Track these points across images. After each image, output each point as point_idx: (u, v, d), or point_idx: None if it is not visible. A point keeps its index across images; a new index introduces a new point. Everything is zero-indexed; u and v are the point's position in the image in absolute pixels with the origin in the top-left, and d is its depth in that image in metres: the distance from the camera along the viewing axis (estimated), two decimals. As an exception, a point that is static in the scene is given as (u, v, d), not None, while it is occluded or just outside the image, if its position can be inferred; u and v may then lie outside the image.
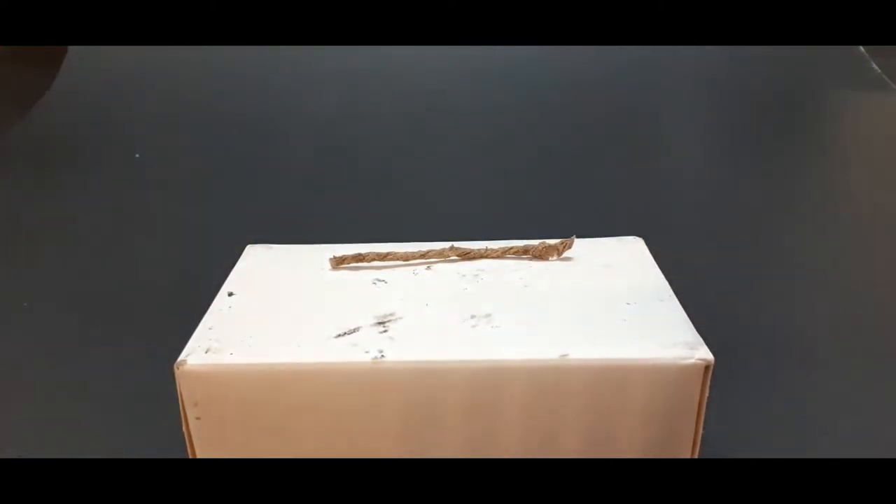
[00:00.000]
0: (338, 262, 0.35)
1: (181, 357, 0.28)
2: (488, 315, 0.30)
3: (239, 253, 0.37)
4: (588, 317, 0.30)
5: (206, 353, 0.28)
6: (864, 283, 0.53)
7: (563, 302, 0.31)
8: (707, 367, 0.28)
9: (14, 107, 0.87)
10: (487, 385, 0.28)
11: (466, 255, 0.35)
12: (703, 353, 0.28)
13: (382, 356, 0.28)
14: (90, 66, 0.90)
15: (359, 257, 0.35)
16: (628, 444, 0.29)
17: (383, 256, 0.35)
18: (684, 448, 0.29)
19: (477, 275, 0.34)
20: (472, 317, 0.30)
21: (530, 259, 0.35)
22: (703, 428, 0.29)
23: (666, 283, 0.33)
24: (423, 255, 0.35)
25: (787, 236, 0.61)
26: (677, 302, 0.31)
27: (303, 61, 0.89)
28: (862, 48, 0.93)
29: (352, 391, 0.28)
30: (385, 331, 0.29)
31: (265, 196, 0.70)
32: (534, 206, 0.67)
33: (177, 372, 0.28)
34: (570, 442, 0.29)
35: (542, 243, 0.35)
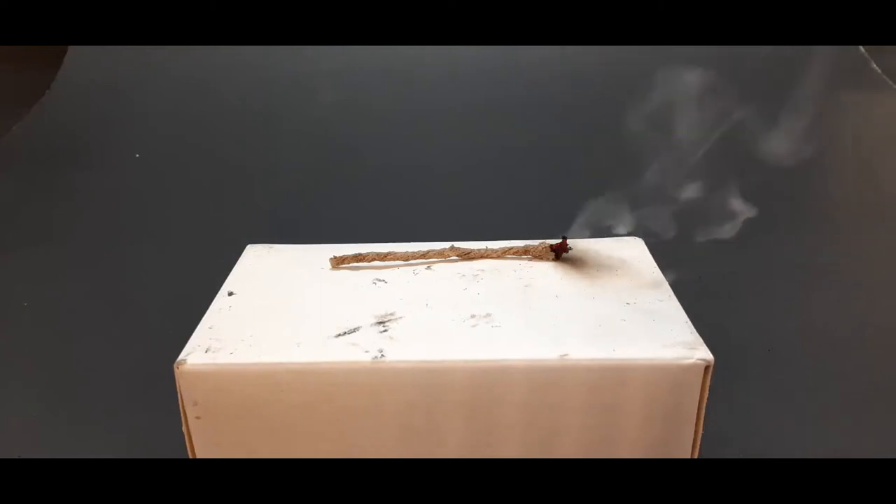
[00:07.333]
0: (338, 262, 0.35)
1: (181, 356, 0.28)
2: (488, 315, 0.30)
3: (239, 253, 0.37)
4: (588, 317, 0.30)
5: (206, 352, 0.28)
6: (863, 283, 0.53)
7: (563, 302, 0.31)
8: (707, 367, 0.28)
9: (14, 107, 0.87)
10: (487, 385, 0.28)
11: (466, 255, 0.35)
12: (703, 353, 0.28)
13: (382, 356, 0.28)
14: (90, 66, 0.90)
15: (359, 257, 0.35)
16: (628, 443, 0.29)
17: (383, 256, 0.35)
18: (684, 448, 0.29)
19: (477, 275, 0.34)
20: (472, 317, 0.30)
21: (530, 259, 0.35)
22: (703, 428, 0.29)
23: (666, 283, 0.33)
24: (423, 255, 0.35)
25: (787, 236, 0.61)
26: (677, 302, 0.31)
27: (303, 61, 0.89)
28: (862, 48, 0.93)
29: (352, 391, 0.28)
30: (385, 331, 0.29)
31: (265, 196, 0.70)
32: (533, 206, 0.67)
33: (177, 371, 0.28)
34: (570, 442, 0.29)
35: (542, 243, 0.35)
